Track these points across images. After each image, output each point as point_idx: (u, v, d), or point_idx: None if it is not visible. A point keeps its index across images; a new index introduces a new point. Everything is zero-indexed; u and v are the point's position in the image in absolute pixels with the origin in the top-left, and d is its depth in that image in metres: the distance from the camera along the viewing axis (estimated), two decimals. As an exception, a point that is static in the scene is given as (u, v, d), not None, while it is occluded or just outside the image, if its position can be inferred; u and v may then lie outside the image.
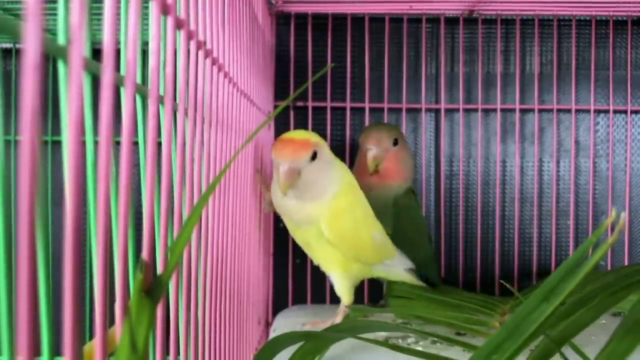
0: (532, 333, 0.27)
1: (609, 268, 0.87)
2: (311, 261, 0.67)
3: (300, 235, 0.65)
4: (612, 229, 0.88)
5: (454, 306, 0.64)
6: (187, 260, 0.33)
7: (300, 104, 0.87)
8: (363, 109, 0.87)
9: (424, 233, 0.76)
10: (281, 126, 0.87)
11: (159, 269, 0.28)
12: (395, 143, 0.74)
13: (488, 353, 0.27)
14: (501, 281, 0.67)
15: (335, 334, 0.41)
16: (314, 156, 0.58)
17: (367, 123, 0.86)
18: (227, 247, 0.45)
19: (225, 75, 0.43)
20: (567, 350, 0.35)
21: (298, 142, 0.58)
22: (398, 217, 0.73)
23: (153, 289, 0.23)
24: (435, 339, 0.57)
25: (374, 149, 0.72)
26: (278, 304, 0.82)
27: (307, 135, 0.60)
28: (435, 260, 0.79)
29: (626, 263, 0.87)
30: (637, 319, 0.27)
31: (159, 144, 0.25)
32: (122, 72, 0.25)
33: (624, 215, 0.24)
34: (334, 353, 0.54)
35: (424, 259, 0.75)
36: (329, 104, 0.87)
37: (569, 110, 0.88)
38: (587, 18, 0.88)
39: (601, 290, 0.35)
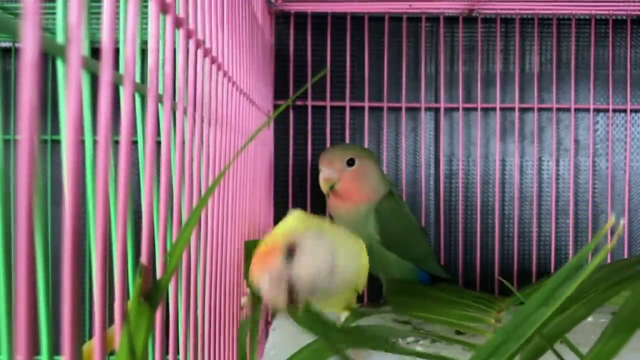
0: (530, 336, 0.27)
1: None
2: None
3: None
4: (612, 232, 0.88)
5: (452, 303, 0.64)
6: (187, 260, 0.33)
7: (299, 103, 0.87)
8: (362, 108, 0.87)
9: (415, 231, 0.75)
10: (281, 125, 0.87)
11: (158, 267, 0.28)
12: (351, 163, 0.71)
13: (486, 356, 0.27)
14: (499, 278, 0.67)
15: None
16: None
17: (366, 122, 0.86)
18: (226, 247, 0.45)
19: (225, 74, 0.43)
20: (564, 350, 0.35)
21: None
22: (382, 224, 0.71)
23: (152, 293, 0.23)
24: (435, 339, 0.57)
25: (324, 170, 0.71)
26: (278, 303, 0.82)
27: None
28: (434, 254, 0.78)
29: (626, 262, 0.87)
30: (626, 316, 0.27)
31: (158, 143, 0.25)
32: (121, 70, 0.25)
33: (624, 222, 0.24)
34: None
35: (421, 255, 0.75)
36: (328, 103, 0.87)
37: (568, 109, 0.88)
38: (587, 17, 0.88)
39: (595, 285, 0.35)
